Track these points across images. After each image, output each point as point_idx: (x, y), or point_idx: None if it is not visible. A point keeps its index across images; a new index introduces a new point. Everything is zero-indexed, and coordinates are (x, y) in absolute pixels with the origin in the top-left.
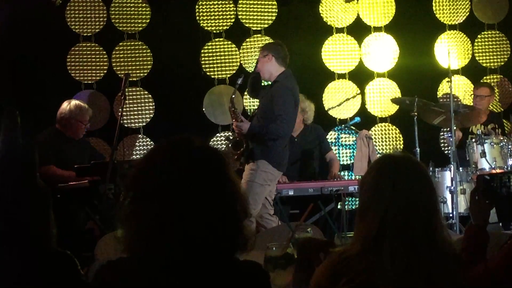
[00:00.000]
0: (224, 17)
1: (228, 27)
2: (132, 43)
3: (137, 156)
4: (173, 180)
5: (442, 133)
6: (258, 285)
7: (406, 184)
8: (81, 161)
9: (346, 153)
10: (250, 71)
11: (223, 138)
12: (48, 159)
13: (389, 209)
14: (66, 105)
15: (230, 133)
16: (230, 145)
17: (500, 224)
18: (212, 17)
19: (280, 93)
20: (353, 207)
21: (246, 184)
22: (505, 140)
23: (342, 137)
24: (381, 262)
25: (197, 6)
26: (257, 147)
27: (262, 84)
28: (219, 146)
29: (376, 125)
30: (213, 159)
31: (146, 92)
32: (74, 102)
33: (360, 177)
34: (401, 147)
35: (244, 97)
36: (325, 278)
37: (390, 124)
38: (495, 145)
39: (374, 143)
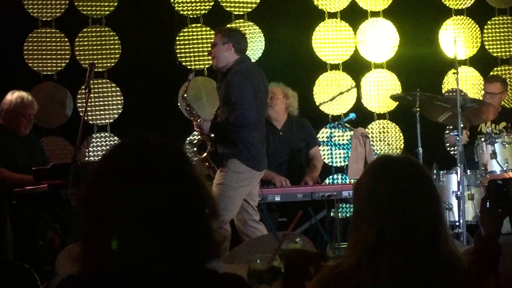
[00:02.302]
0: (202, 0)
1: (206, 12)
2: (97, 29)
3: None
4: (127, 184)
5: (447, 132)
6: None
7: (406, 191)
8: (34, 160)
9: (340, 153)
10: None
11: (187, 143)
12: None
13: (387, 218)
14: (9, 96)
15: (193, 137)
16: (195, 149)
17: None
18: (189, 0)
19: (234, 80)
20: (347, 215)
21: (217, 187)
22: None
23: (335, 136)
24: (379, 279)
25: None
26: (225, 146)
27: None
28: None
29: (373, 122)
30: (172, 158)
31: (113, 85)
32: (18, 93)
33: (355, 181)
34: (402, 147)
35: None
36: None
37: (389, 121)
38: (507, 145)
39: (371, 142)
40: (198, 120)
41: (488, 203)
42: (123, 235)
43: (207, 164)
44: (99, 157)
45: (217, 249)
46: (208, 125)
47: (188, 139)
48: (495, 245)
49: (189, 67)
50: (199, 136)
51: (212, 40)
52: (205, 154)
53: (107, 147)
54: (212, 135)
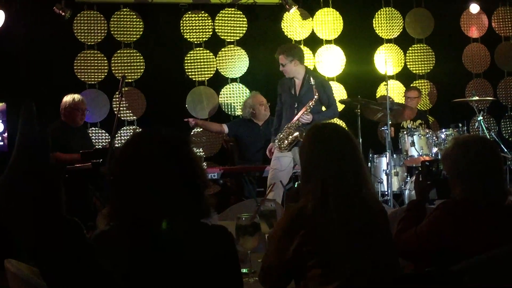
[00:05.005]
0: (204, 30)
1: (207, 39)
2: (128, 51)
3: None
4: (143, 162)
5: (379, 127)
6: (223, 243)
7: (337, 149)
8: (84, 146)
9: None
10: (225, 75)
11: (291, 128)
12: (53, 147)
13: (326, 172)
14: (65, 98)
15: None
16: (298, 133)
17: None
18: (194, 30)
19: (327, 85)
20: None
21: None
22: (430, 133)
23: None
24: (329, 215)
25: (181, 21)
26: None
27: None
28: (200, 136)
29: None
30: (175, 143)
31: (139, 91)
32: (71, 95)
33: None
34: None
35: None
36: (285, 230)
37: (338, 119)
38: (422, 137)
39: None
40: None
41: (420, 177)
42: (139, 199)
43: (286, 146)
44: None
45: (208, 210)
46: (311, 117)
47: (193, 131)
48: (422, 208)
49: (193, 79)
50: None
51: (210, 60)
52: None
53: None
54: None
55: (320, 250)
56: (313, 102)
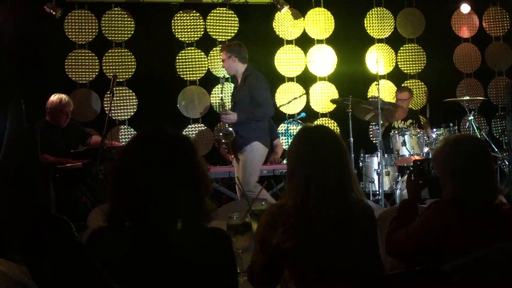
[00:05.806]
0: (195, 30)
1: (198, 38)
2: (119, 50)
3: (123, 143)
4: (147, 161)
5: (370, 127)
6: (221, 246)
7: (320, 149)
8: (69, 145)
9: None
10: (216, 75)
11: (217, 132)
12: (41, 148)
13: (309, 171)
14: (51, 98)
15: (221, 127)
16: (221, 135)
17: None
18: (185, 30)
19: (259, 84)
20: None
21: (247, 163)
22: (421, 132)
23: (290, 129)
24: (310, 214)
25: (173, 20)
26: (247, 132)
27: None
28: (191, 135)
29: (318, 119)
30: (181, 144)
31: (130, 91)
32: (58, 95)
33: None
34: None
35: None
36: (266, 226)
37: (329, 119)
38: (413, 136)
39: None
40: (227, 113)
41: (412, 176)
42: (141, 198)
43: (225, 146)
44: (126, 140)
45: (209, 216)
46: (235, 116)
47: (185, 128)
48: (414, 208)
49: (185, 79)
50: (226, 126)
51: (202, 59)
52: (231, 139)
53: (125, 136)
54: (234, 124)
55: (297, 249)
56: (220, 101)
